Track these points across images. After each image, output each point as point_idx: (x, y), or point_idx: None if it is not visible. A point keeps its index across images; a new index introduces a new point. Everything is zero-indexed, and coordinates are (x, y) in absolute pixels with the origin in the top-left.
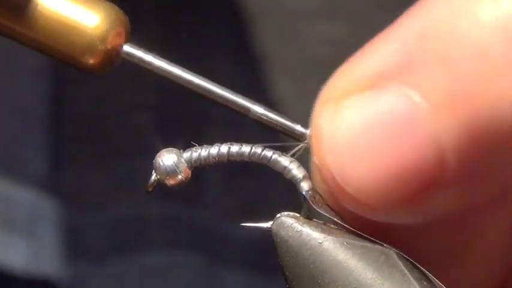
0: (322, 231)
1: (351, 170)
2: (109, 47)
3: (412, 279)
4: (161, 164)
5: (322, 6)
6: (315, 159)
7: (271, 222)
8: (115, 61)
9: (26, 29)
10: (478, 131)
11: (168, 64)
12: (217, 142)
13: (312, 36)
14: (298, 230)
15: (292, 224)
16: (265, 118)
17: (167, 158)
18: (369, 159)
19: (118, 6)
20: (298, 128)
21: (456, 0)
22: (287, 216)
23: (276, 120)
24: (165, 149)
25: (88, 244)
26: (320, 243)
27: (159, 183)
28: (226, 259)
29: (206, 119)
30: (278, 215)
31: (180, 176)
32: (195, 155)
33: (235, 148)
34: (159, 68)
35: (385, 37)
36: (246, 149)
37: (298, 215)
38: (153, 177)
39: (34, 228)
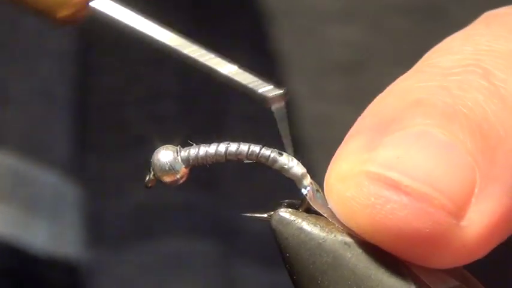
0: (322, 230)
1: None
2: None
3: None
4: (158, 161)
5: (340, 8)
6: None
7: (270, 213)
8: (84, 14)
9: None
10: None
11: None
12: (235, 133)
13: (328, 37)
14: (298, 227)
15: (291, 221)
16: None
17: (164, 155)
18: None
19: None
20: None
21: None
22: (286, 212)
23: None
24: (162, 146)
25: (107, 229)
26: (319, 243)
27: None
28: (242, 250)
29: (226, 109)
30: (277, 209)
31: (176, 175)
32: (192, 153)
33: (233, 147)
34: (131, 27)
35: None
36: (244, 148)
37: (297, 211)
38: (151, 174)
39: (56, 210)
